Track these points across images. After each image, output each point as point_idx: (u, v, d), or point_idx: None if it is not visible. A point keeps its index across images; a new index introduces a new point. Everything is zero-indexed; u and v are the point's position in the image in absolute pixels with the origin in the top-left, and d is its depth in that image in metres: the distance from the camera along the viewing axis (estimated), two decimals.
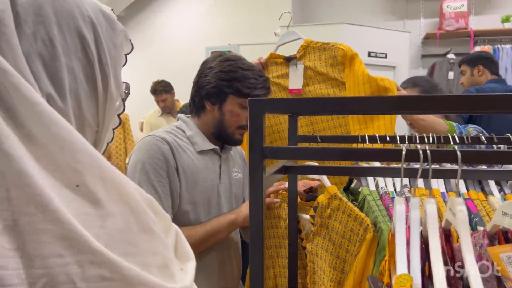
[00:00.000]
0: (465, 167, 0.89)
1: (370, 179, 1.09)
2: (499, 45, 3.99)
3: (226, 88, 1.18)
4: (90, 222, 0.39)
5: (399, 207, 0.64)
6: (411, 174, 0.93)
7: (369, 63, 4.05)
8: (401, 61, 4.09)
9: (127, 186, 0.45)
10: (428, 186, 0.83)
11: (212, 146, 1.24)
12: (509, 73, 3.90)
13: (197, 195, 1.17)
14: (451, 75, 4.14)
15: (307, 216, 1.13)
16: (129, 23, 4.77)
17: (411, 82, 1.95)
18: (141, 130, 4.41)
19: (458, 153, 0.57)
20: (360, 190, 1.16)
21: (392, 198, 1.04)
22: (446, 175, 0.88)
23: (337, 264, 1.03)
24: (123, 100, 0.61)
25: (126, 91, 0.62)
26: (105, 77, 0.53)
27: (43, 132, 0.40)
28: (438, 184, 1.03)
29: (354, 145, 1.15)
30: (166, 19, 4.80)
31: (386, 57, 4.06)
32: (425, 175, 0.79)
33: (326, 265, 1.08)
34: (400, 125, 1.71)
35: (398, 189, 1.06)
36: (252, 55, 1.60)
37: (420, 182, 1.07)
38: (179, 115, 1.29)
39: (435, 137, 1.01)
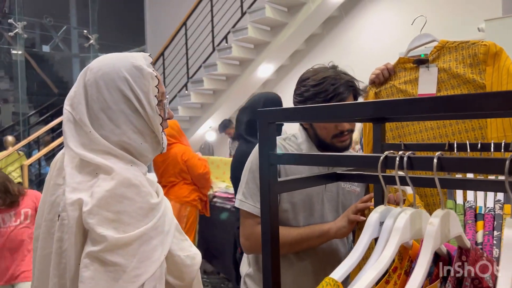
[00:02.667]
0: None
1: (459, 192, 0.98)
2: None
3: None
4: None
5: (373, 215, 0.62)
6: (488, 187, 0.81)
7: None
8: None
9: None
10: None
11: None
12: None
13: (297, 197, 1.27)
14: None
15: None
16: (325, 38, 5.08)
17: None
18: None
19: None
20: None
21: (476, 215, 0.91)
22: None
23: None
24: (163, 111, 0.95)
25: (162, 105, 0.96)
26: (142, 105, 0.88)
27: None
28: None
29: (488, 154, 1.03)
30: (357, 33, 4.88)
31: None
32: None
33: None
34: None
35: (489, 204, 0.92)
36: None
37: None
38: (299, 124, 1.40)
39: None
